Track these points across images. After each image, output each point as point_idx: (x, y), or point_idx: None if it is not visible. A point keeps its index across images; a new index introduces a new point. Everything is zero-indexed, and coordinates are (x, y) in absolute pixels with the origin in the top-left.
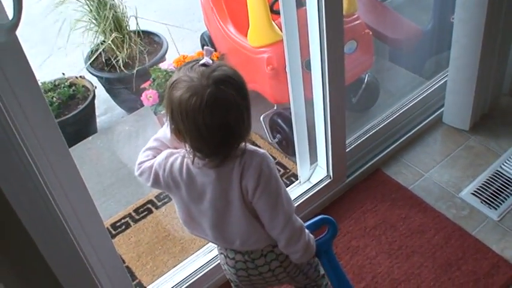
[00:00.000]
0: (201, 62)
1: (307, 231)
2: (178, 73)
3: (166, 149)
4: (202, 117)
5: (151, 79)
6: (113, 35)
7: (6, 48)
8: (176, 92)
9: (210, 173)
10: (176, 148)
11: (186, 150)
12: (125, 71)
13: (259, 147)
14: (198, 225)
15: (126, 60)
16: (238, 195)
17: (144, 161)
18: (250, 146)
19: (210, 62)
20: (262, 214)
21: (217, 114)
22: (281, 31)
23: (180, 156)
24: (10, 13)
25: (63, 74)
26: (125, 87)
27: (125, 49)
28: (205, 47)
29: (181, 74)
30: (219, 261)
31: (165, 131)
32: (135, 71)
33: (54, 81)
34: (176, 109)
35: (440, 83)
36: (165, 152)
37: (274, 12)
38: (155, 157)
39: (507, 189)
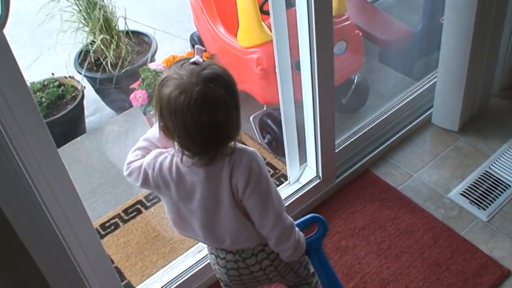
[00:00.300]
0: (192, 60)
1: (297, 229)
2: (168, 71)
3: (155, 149)
4: (191, 115)
5: (140, 79)
6: (102, 35)
7: None
8: (165, 90)
9: (199, 171)
10: (165, 148)
11: (175, 148)
12: (113, 71)
13: None
14: (188, 225)
15: (115, 61)
16: (228, 194)
17: (133, 161)
18: (239, 145)
19: (201, 60)
20: (252, 212)
21: (205, 112)
22: (271, 31)
23: (169, 155)
24: None
25: (52, 74)
26: (114, 88)
27: (113, 49)
28: (196, 46)
29: (171, 71)
30: (208, 261)
31: (154, 131)
32: (123, 71)
33: (43, 81)
34: (165, 107)
35: (429, 84)
36: (154, 152)
37: (264, 12)
38: (144, 157)
39: (496, 190)
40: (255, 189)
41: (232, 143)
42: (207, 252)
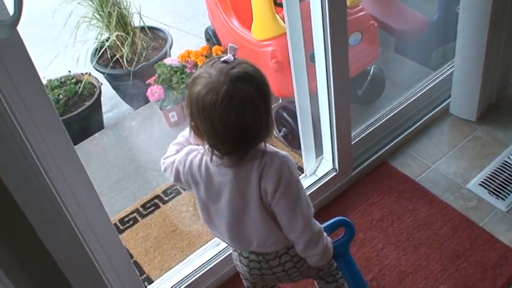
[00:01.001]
0: (223, 59)
1: (325, 234)
2: (200, 69)
3: (188, 145)
4: (218, 114)
5: (156, 75)
6: (117, 32)
7: (8, 44)
8: (195, 88)
9: (228, 172)
10: (198, 145)
11: (204, 148)
12: (129, 67)
13: None
14: (216, 225)
15: (130, 56)
16: (257, 197)
17: (168, 156)
18: (271, 147)
19: (232, 59)
20: (280, 217)
21: (233, 111)
22: (285, 24)
23: (199, 153)
24: (11, 9)
25: (69, 71)
26: (130, 83)
27: (129, 45)
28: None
29: (202, 70)
30: (226, 255)
31: (186, 131)
32: (139, 66)
33: (60, 78)
34: (194, 105)
35: (446, 74)
36: (186, 149)
37: (278, 5)
38: (178, 152)
39: None
40: (284, 194)
41: (263, 144)
42: (231, 248)
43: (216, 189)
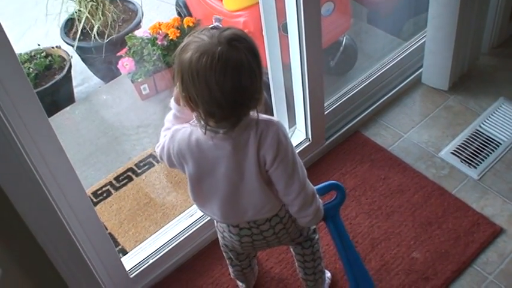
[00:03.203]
0: (211, 26)
1: (317, 196)
2: (187, 39)
3: (174, 127)
4: (214, 75)
5: (127, 47)
6: (86, 2)
7: None
8: (186, 55)
9: (225, 145)
10: (186, 122)
11: (200, 118)
12: (99, 40)
13: None
14: (208, 202)
15: (101, 29)
16: (255, 165)
17: (160, 144)
18: (263, 116)
19: (220, 26)
20: (278, 182)
21: (229, 72)
22: None
23: (186, 131)
24: None
25: (39, 45)
26: (100, 56)
27: (99, 17)
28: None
29: (191, 38)
30: (199, 224)
31: (173, 104)
32: (109, 39)
33: (30, 52)
34: (186, 71)
35: (418, 44)
36: (171, 131)
37: None
38: None
39: (487, 148)
40: (283, 159)
41: (255, 114)
42: (204, 218)
43: (210, 164)
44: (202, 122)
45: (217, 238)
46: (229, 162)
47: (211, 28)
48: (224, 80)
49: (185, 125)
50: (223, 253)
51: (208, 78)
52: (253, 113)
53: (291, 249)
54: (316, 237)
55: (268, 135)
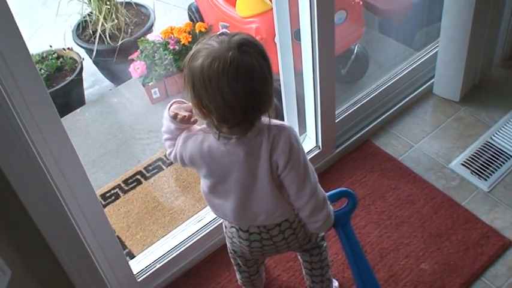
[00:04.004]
0: (219, 32)
1: (328, 202)
2: (195, 46)
3: (181, 134)
4: (227, 80)
5: (139, 50)
6: (99, 4)
7: None
8: (196, 62)
9: (238, 151)
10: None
11: (213, 124)
12: (111, 43)
13: None
14: (220, 205)
15: (113, 32)
16: (267, 171)
17: (170, 152)
18: (275, 121)
19: (228, 32)
20: (290, 186)
21: (241, 76)
22: (270, 0)
23: (199, 137)
24: None
25: (50, 46)
26: (112, 59)
27: (111, 21)
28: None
29: (200, 45)
30: (208, 230)
31: (167, 125)
32: (121, 42)
33: (42, 53)
34: (198, 78)
35: (430, 54)
36: (182, 137)
37: None
38: (174, 144)
39: (497, 160)
40: (295, 164)
41: (267, 118)
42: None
43: (222, 170)
44: (215, 129)
45: (225, 244)
46: (242, 168)
47: (220, 35)
48: (237, 85)
49: (195, 131)
50: (231, 259)
51: (221, 83)
52: (264, 118)
53: (299, 257)
54: (324, 244)
55: (280, 140)
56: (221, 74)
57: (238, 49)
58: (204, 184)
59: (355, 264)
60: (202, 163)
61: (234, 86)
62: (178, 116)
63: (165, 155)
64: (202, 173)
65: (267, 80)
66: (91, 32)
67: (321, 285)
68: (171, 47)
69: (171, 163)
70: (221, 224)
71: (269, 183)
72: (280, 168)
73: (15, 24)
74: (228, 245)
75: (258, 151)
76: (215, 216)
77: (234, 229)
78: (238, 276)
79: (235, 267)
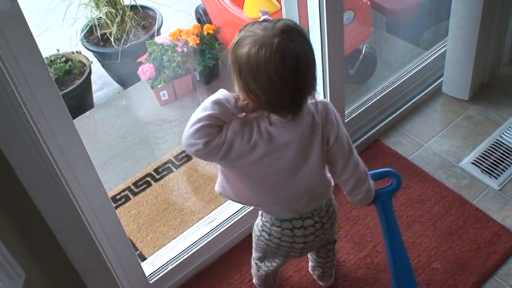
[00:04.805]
0: (261, 19)
1: (369, 176)
2: (239, 34)
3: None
4: (274, 66)
5: (147, 53)
6: (106, 8)
7: (9, 16)
8: (242, 49)
9: (295, 130)
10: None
11: (263, 109)
12: (118, 46)
13: None
14: (262, 195)
15: (120, 35)
16: (320, 147)
17: (207, 141)
18: (312, 98)
19: (270, 18)
20: (337, 161)
21: (288, 62)
22: (278, 2)
23: (252, 121)
24: None
25: (58, 50)
26: (120, 62)
27: (118, 24)
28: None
29: (243, 33)
30: (218, 232)
31: (222, 109)
32: (129, 45)
33: (50, 57)
34: (245, 65)
35: (438, 53)
36: (237, 121)
37: None
38: (218, 131)
39: (507, 158)
40: (341, 137)
41: (312, 96)
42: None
43: (277, 150)
44: (266, 113)
45: (236, 245)
46: (297, 146)
47: (262, 21)
48: (283, 70)
49: (249, 117)
50: (255, 260)
51: (269, 70)
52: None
53: (313, 255)
54: (337, 236)
55: (328, 114)
56: (268, 60)
57: (283, 35)
58: (243, 179)
59: (389, 243)
60: (261, 144)
61: (281, 71)
62: (240, 101)
63: (174, 156)
64: (250, 160)
65: (311, 63)
66: (99, 36)
67: (330, 273)
68: (179, 50)
69: (181, 165)
70: (231, 225)
71: (319, 161)
72: (331, 141)
73: (29, 29)
74: (263, 244)
75: (312, 128)
76: (226, 217)
77: (287, 230)
78: (255, 278)
79: (253, 269)
